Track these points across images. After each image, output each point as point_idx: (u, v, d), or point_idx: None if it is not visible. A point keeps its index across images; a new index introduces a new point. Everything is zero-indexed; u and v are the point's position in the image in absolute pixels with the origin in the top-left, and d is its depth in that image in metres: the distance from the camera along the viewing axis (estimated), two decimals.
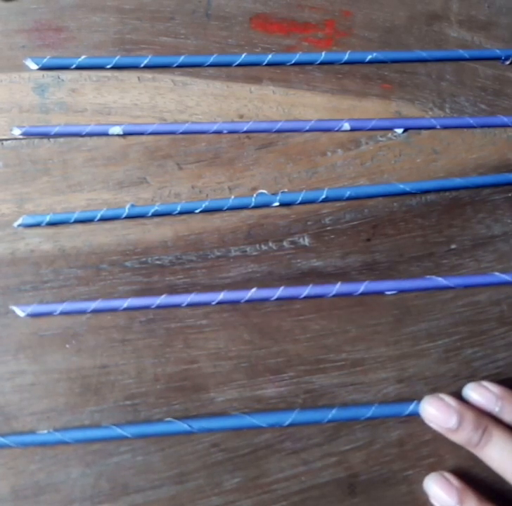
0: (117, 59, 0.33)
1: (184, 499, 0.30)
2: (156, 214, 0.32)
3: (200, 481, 0.30)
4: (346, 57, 0.34)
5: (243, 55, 0.33)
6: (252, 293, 0.31)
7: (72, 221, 0.32)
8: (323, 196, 0.32)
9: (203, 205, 0.32)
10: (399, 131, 0.34)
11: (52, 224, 0.32)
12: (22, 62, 0.33)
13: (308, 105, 0.34)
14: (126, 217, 0.32)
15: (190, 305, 0.31)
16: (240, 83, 0.34)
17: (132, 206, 0.32)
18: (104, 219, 0.32)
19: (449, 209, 0.34)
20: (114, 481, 0.30)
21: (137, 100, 0.34)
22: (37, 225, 0.32)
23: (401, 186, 0.33)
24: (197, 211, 0.32)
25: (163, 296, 0.30)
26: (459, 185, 0.33)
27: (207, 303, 0.31)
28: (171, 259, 0.32)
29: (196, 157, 0.33)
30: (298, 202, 0.33)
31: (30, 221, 0.31)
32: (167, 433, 0.30)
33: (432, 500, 0.30)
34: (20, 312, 0.30)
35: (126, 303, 0.30)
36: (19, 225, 0.31)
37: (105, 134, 0.33)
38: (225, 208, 0.32)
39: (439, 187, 0.34)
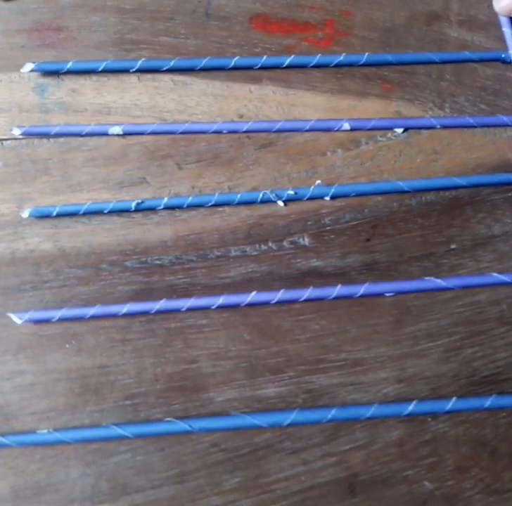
0: (111, 62, 0.33)
1: (184, 499, 0.30)
2: (165, 207, 0.32)
3: (200, 481, 0.30)
4: (341, 58, 0.34)
5: (236, 58, 0.33)
6: (252, 297, 0.30)
7: (81, 212, 0.31)
8: (331, 193, 0.33)
9: (212, 200, 0.32)
10: (399, 130, 0.34)
11: (60, 216, 0.32)
12: (22, 62, 0.33)
13: (308, 104, 0.34)
14: (132, 211, 0.32)
15: (190, 309, 0.31)
16: (240, 83, 0.34)
17: (138, 203, 0.32)
18: (112, 212, 0.32)
19: (448, 209, 0.34)
20: (114, 481, 0.30)
21: (137, 100, 0.34)
22: (46, 216, 0.31)
23: (401, 184, 0.33)
24: (206, 205, 0.32)
25: (162, 301, 0.30)
26: (459, 185, 0.33)
27: (206, 308, 0.31)
28: (171, 259, 0.32)
29: (196, 157, 0.33)
30: (305, 198, 0.33)
31: (38, 213, 0.31)
32: (167, 433, 0.30)
33: None
34: (16, 319, 0.30)
35: (125, 308, 0.30)
36: (27, 217, 0.31)
37: (105, 134, 0.33)
38: (234, 203, 0.32)
39: (439, 187, 0.34)
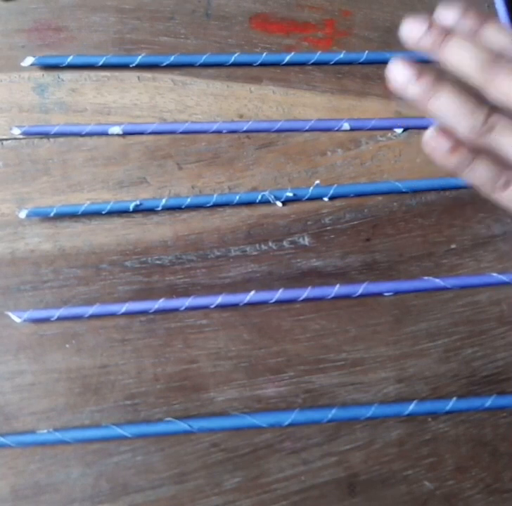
0: (111, 57, 0.33)
1: (184, 499, 0.30)
2: (164, 208, 0.32)
3: (200, 480, 0.30)
4: (342, 56, 0.34)
5: (235, 54, 0.33)
6: (251, 296, 0.31)
7: (80, 213, 0.31)
8: (330, 193, 0.33)
9: (212, 200, 0.32)
10: (399, 130, 0.34)
11: (58, 216, 0.32)
12: (22, 61, 0.33)
13: (308, 104, 0.34)
14: (132, 212, 0.32)
15: (189, 309, 0.31)
16: (240, 83, 0.34)
17: (136, 205, 0.32)
18: (110, 213, 0.32)
19: (449, 209, 0.34)
20: (114, 481, 0.30)
21: (137, 100, 0.34)
22: (44, 215, 0.31)
23: (401, 185, 0.33)
24: (206, 205, 0.32)
25: (161, 300, 0.30)
26: (459, 185, 0.33)
27: (204, 307, 0.31)
28: (171, 259, 0.32)
29: (196, 156, 0.33)
30: (304, 198, 0.33)
31: (35, 213, 0.31)
32: (167, 433, 0.30)
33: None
34: (15, 318, 0.30)
35: (124, 307, 0.30)
36: (24, 217, 0.31)
37: (105, 134, 0.33)
38: (234, 203, 0.32)
39: (439, 187, 0.34)
